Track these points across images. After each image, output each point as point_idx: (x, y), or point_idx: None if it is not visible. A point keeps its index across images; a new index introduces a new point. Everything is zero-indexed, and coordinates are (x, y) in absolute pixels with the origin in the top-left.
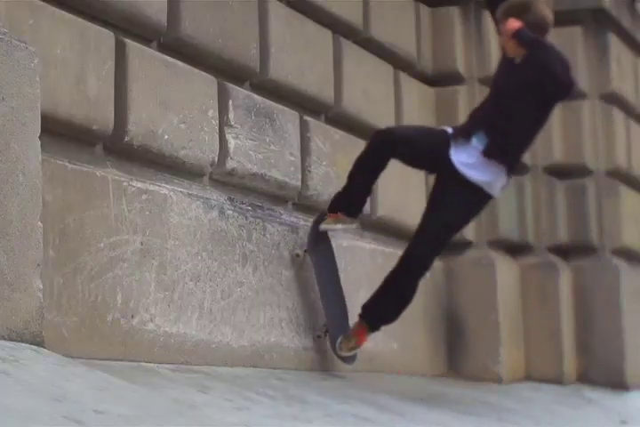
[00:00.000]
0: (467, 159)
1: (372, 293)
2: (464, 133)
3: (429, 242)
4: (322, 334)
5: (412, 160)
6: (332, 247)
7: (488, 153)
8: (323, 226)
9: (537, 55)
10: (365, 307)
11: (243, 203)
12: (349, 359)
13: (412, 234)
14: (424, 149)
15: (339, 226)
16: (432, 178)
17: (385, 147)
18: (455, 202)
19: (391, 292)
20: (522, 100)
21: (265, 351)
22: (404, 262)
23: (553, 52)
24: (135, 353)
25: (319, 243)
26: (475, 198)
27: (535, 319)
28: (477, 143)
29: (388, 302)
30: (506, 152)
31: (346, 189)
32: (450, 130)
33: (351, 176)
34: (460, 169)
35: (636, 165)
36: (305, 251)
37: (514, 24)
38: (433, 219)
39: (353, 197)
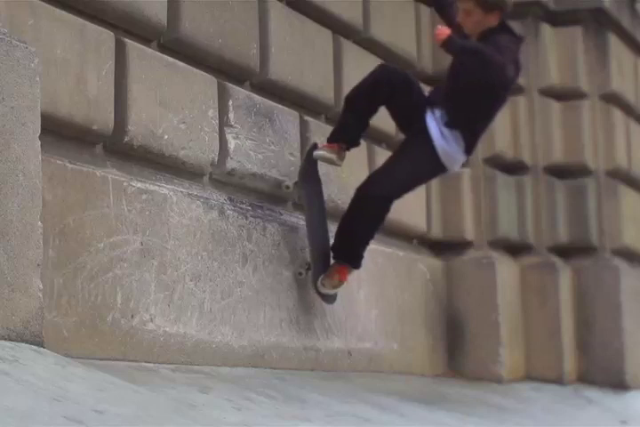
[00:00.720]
0: (435, 127)
1: (335, 233)
2: (430, 104)
3: (389, 186)
4: (303, 271)
5: (400, 104)
6: (320, 183)
7: (450, 124)
8: (316, 152)
9: (468, 62)
10: (334, 249)
11: (243, 203)
12: (330, 298)
13: (411, 234)
14: (414, 97)
15: (333, 156)
16: (432, 180)
17: (386, 78)
18: (419, 160)
19: (349, 234)
20: (472, 82)
21: (265, 351)
22: (360, 204)
23: (485, 56)
24: (135, 353)
25: (310, 176)
26: (433, 165)
27: (535, 319)
28: (440, 117)
29: (352, 244)
30: (465, 125)
31: (343, 118)
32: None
33: (349, 105)
34: (432, 133)
35: (636, 165)
36: (295, 183)
37: (442, 34)
38: (398, 167)
39: (350, 127)
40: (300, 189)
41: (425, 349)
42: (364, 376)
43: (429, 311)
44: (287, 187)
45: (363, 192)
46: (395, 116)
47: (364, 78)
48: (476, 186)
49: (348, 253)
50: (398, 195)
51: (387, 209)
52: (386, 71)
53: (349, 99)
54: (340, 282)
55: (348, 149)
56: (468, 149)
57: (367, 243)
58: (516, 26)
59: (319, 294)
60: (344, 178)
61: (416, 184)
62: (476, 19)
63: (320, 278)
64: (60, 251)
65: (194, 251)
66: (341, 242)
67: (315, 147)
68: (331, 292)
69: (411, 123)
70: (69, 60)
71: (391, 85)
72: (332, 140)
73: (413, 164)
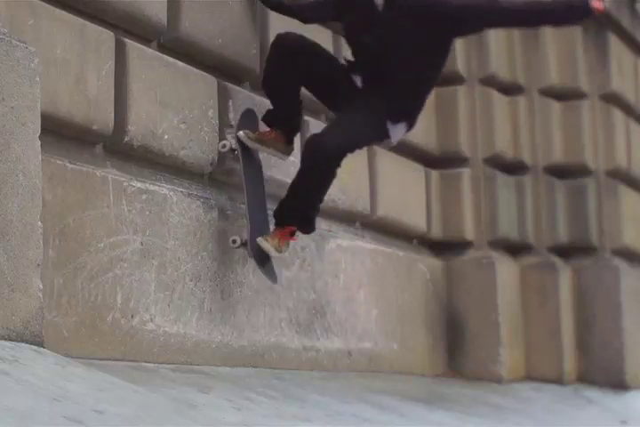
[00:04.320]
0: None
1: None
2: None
3: (341, 137)
4: (238, 239)
5: (320, 71)
6: (257, 153)
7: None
8: (241, 134)
9: None
10: (278, 213)
11: (243, 203)
12: (272, 275)
13: (411, 234)
14: (328, 68)
15: (261, 147)
16: (432, 178)
17: (292, 46)
18: (369, 121)
19: (299, 193)
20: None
21: (265, 351)
22: (312, 157)
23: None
24: (135, 353)
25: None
26: (381, 129)
27: (535, 319)
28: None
29: (301, 203)
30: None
31: (274, 104)
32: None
33: (270, 90)
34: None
35: (636, 165)
36: (235, 150)
37: None
38: (347, 123)
39: (283, 112)
40: (240, 153)
41: (425, 349)
42: (364, 376)
43: (429, 311)
44: (224, 146)
45: (315, 144)
46: (319, 91)
47: (269, 57)
48: (476, 186)
49: (296, 214)
50: (349, 148)
51: (339, 162)
52: (284, 39)
53: (266, 84)
54: (281, 245)
55: (287, 136)
56: (394, 116)
57: (317, 204)
58: None
59: (257, 258)
60: (344, 179)
61: (362, 143)
62: None
63: (262, 237)
64: (60, 251)
65: (194, 251)
66: (288, 203)
67: (250, 113)
68: (272, 251)
69: (335, 94)
70: (69, 60)
71: (292, 60)
72: (267, 122)
73: (364, 123)
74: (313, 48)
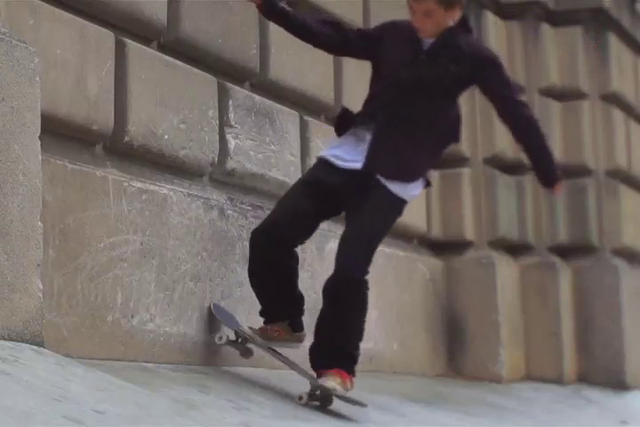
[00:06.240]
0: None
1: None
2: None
3: (366, 262)
4: (305, 394)
5: (324, 215)
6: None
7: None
8: (247, 330)
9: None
10: (326, 358)
11: (243, 203)
12: (357, 401)
13: (411, 234)
14: (315, 202)
15: (270, 343)
16: (432, 178)
17: (264, 249)
18: (385, 218)
19: (346, 332)
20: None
21: (265, 351)
22: (346, 295)
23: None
24: (135, 353)
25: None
26: (398, 211)
27: (535, 319)
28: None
29: (350, 342)
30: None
31: (264, 295)
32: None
33: (262, 284)
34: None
35: (636, 165)
36: (232, 341)
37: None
38: (366, 238)
39: (281, 302)
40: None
41: (425, 349)
42: (364, 376)
43: (429, 311)
44: (220, 338)
45: (340, 281)
46: (328, 216)
47: (251, 256)
48: (476, 186)
49: (348, 356)
50: (370, 261)
51: (367, 284)
52: (260, 237)
53: (255, 279)
54: (346, 384)
55: (294, 325)
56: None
57: (362, 337)
58: (516, 26)
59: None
60: None
61: (379, 243)
62: (437, 20)
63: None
64: (60, 251)
65: (194, 251)
66: (332, 346)
67: (219, 309)
68: (338, 388)
69: (339, 199)
70: (69, 60)
71: (276, 249)
72: (270, 319)
73: (372, 222)
74: (292, 216)
